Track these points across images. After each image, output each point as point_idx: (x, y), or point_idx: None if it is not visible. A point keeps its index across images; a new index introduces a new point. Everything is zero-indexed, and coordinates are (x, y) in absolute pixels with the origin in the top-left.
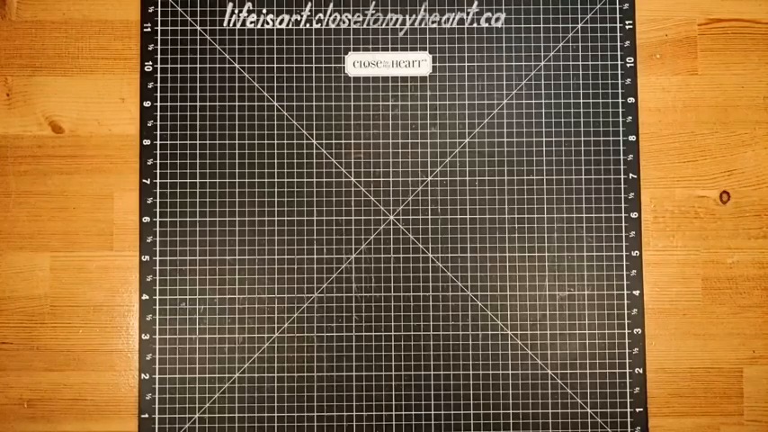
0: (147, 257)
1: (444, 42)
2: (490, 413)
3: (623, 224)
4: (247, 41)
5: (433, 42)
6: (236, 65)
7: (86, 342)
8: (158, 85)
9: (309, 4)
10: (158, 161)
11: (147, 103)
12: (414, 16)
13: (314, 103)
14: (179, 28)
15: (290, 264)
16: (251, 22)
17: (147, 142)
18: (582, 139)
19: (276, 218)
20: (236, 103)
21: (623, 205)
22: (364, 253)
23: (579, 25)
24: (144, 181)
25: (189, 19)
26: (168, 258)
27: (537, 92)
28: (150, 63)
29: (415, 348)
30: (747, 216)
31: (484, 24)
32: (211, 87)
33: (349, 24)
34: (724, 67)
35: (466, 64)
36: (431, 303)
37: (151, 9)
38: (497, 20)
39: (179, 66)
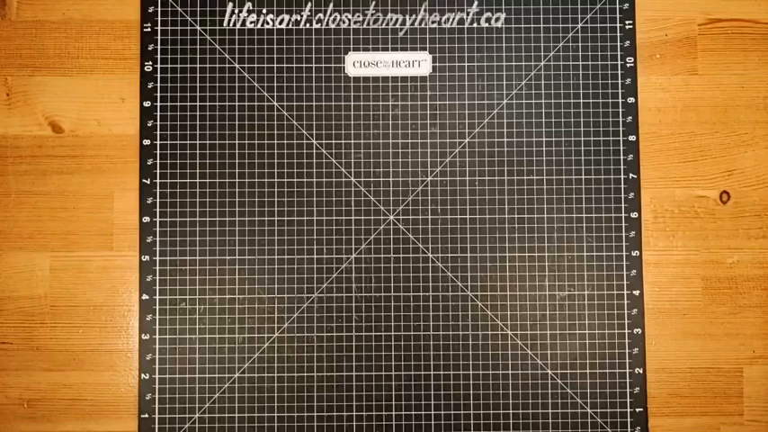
0: (147, 257)
1: (444, 42)
2: (490, 413)
3: (623, 224)
4: (247, 41)
5: (433, 42)
6: (236, 65)
7: (86, 342)
8: (158, 85)
9: (309, 4)
10: (158, 161)
11: (147, 103)
12: (414, 16)
13: (314, 103)
14: (179, 28)
15: (290, 264)
16: (251, 22)
17: (147, 142)
18: (582, 139)
19: (276, 218)
20: (236, 103)
21: (623, 205)
22: (364, 253)
23: (579, 25)
24: (144, 181)
25: (189, 19)
26: (168, 258)
27: (537, 92)
28: (150, 63)
29: (415, 348)
30: (747, 216)
31: (484, 24)
32: (211, 87)
33: (349, 24)
34: (724, 67)
35: (466, 64)
36: (431, 303)
37: (151, 9)
38: (497, 20)
39: (179, 66)
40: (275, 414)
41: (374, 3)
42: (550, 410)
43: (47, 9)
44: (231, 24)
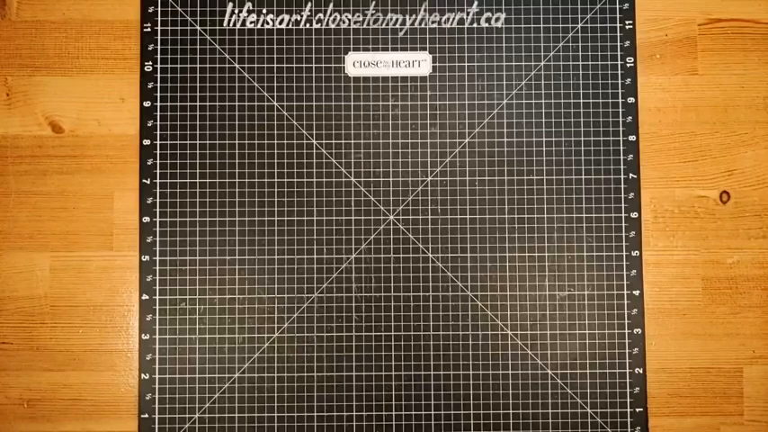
0: (147, 257)
1: (444, 42)
2: (490, 413)
3: (623, 224)
4: (247, 41)
5: (433, 42)
6: (236, 65)
7: (86, 342)
8: (158, 85)
9: (309, 4)
10: (158, 161)
11: (147, 103)
12: (414, 16)
13: (314, 103)
14: (179, 28)
15: (290, 264)
16: (251, 22)
17: (147, 142)
18: (582, 139)
19: (276, 218)
20: (236, 103)
21: (623, 205)
22: (364, 253)
23: (579, 25)
24: (144, 181)
25: (189, 19)
26: (168, 258)
27: (537, 92)
28: (150, 63)
29: (415, 348)
30: (747, 216)
31: (484, 24)
32: (211, 87)
33: (349, 24)
34: (724, 67)
35: (466, 64)
36: (431, 303)
37: (151, 9)
38: (497, 20)
39: (179, 66)
40: (275, 414)
41: (374, 3)
42: (550, 410)
43: (47, 9)
44: (231, 24)
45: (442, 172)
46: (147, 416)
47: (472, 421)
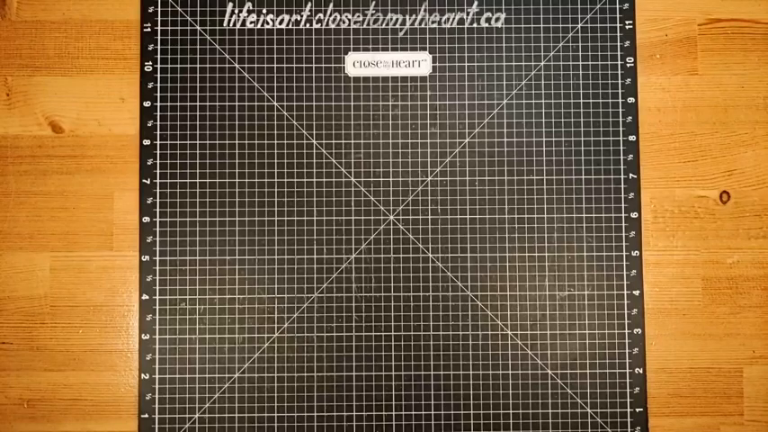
0: (147, 257)
1: (444, 42)
2: (490, 413)
3: (623, 224)
4: (247, 41)
5: (433, 42)
6: (236, 65)
7: (86, 342)
8: (158, 85)
9: (309, 4)
10: (158, 161)
11: (147, 103)
12: (414, 16)
13: (314, 103)
14: (179, 28)
15: (290, 264)
16: (251, 22)
17: (147, 142)
18: (582, 139)
19: (276, 218)
20: (236, 103)
21: (623, 205)
22: (364, 253)
23: (579, 25)
24: (144, 181)
25: (189, 19)
26: (168, 258)
27: (537, 92)
28: (150, 63)
29: (415, 348)
30: (747, 216)
31: (484, 24)
32: (211, 87)
33: (349, 24)
34: (724, 67)
35: (466, 64)
36: (431, 303)
37: (151, 9)
38: (497, 20)
39: (179, 66)
40: (275, 414)
41: (374, 3)
42: (550, 410)
43: (47, 9)
44: (231, 24)
45: (442, 172)
46: (147, 416)
47: (472, 421)
